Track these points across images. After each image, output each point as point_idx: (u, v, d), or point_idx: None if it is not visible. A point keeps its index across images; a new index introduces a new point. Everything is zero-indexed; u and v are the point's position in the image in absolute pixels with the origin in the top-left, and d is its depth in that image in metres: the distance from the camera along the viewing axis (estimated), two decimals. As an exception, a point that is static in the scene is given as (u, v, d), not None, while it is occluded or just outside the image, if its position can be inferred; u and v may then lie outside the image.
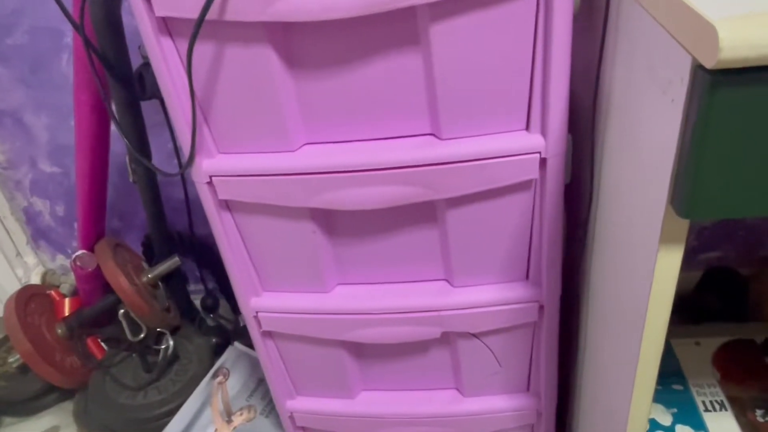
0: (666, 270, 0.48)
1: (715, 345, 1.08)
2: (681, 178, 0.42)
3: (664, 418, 0.91)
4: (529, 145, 0.62)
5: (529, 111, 0.61)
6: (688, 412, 0.98)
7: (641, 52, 0.49)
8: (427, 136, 0.64)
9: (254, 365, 1.11)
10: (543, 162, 0.63)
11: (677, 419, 0.91)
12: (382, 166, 0.63)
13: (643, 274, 0.50)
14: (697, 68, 0.37)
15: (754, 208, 0.41)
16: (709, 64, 0.34)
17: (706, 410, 0.97)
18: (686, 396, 1.00)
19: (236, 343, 1.15)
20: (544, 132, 0.62)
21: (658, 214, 0.46)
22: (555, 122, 0.60)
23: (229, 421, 1.06)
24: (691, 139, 0.39)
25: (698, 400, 0.99)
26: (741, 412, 0.96)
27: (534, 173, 0.64)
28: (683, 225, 0.45)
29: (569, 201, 0.68)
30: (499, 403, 0.85)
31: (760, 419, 0.95)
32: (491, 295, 0.74)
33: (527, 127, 0.62)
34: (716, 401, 0.98)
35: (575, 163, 0.68)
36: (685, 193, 0.42)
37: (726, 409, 0.97)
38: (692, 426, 0.96)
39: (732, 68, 0.34)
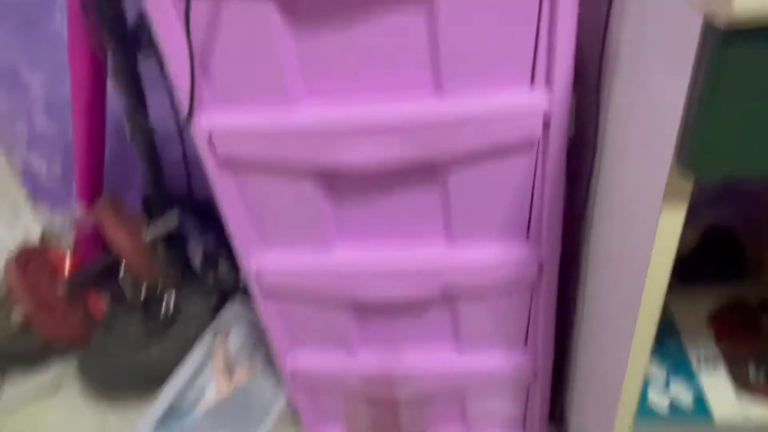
0: (668, 229, 0.48)
1: (711, 304, 1.09)
2: (687, 137, 0.41)
3: (658, 374, 0.92)
4: (532, 102, 0.61)
5: (534, 67, 0.60)
6: (681, 368, 1.00)
7: (651, 9, 0.48)
8: (430, 93, 0.63)
9: (254, 323, 1.12)
10: (547, 119, 0.62)
11: (671, 375, 0.93)
12: (384, 123, 0.62)
13: (646, 232, 0.50)
14: (708, 27, 0.36)
15: (760, 167, 0.41)
16: (720, 23, 0.34)
17: (700, 367, 0.99)
18: (680, 354, 1.02)
19: (236, 301, 1.16)
20: (548, 88, 0.61)
21: (662, 173, 0.46)
22: (560, 78, 0.59)
23: (230, 377, 1.08)
24: (699, 99, 0.39)
25: (692, 358, 1.01)
26: (734, 369, 0.98)
27: (537, 130, 0.63)
28: (687, 184, 0.45)
29: (571, 159, 0.67)
30: (497, 360, 0.87)
31: (753, 376, 0.97)
32: (491, 254, 0.74)
33: (532, 84, 0.62)
34: (710, 359, 1.00)
35: (578, 120, 0.67)
36: (691, 151, 0.42)
37: (720, 367, 0.99)
38: (685, 382, 0.98)
39: (742, 28, 0.34)
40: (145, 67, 1.00)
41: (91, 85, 0.98)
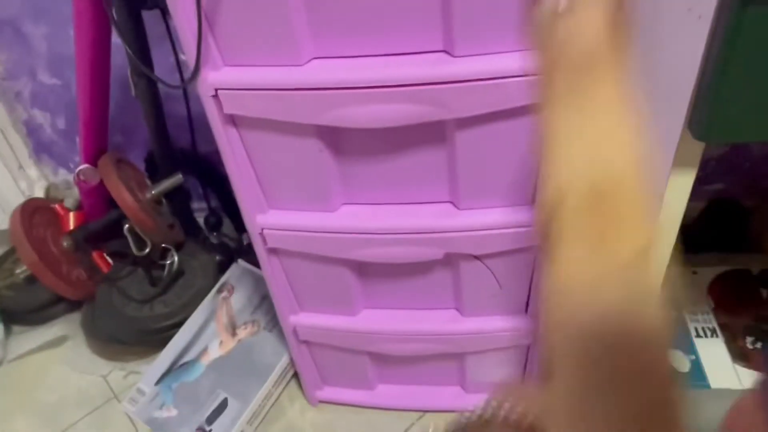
0: (677, 194, 0.48)
1: (711, 274, 1.10)
2: (701, 98, 0.41)
3: (657, 342, 0.93)
4: (543, 65, 0.60)
5: (546, 29, 0.59)
6: (680, 338, 1.01)
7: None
8: (440, 53, 0.62)
9: (258, 282, 1.13)
10: (557, 83, 0.61)
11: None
12: (393, 83, 0.62)
13: (653, 196, 0.49)
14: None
15: (772, 132, 0.40)
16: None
17: (698, 336, 1.00)
18: (679, 322, 1.03)
19: (240, 261, 1.16)
20: (560, 51, 0.60)
21: (673, 136, 0.45)
22: (572, 41, 0.58)
23: (233, 335, 1.09)
24: (717, 58, 0.38)
25: (691, 326, 1.02)
26: (732, 339, 0.99)
27: (547, 94, 0.62)
28: (698, 148, 0.45)
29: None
30: (498, 323, 0.88)
31: (750, 346, 0.98)
32: (496, 218, 0.74)
33: (543, 46, 0.60)
34: (708, 328, 1.01)
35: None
36: (703, 114, 0.41)
37: (717, 336, 1.00)
38: (683, 351, 0.99)
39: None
40: (151, 21, 0.99)
41: (95, 39, 0.96)
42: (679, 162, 0.46)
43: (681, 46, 0.44)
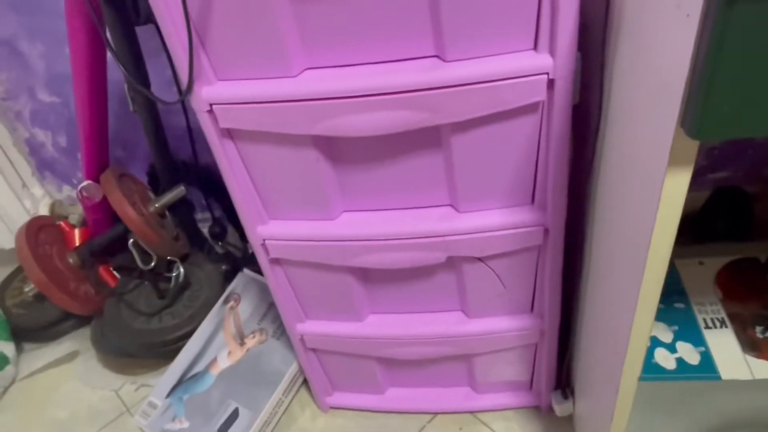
0: (673, 192, 0.47)
1: (718, 264, 1.09)
2: (693, 97, 0.41)
3: (666, 336, 0.93)
4: (536, 66, 0.60)
5: (538, 29, 0.59)
6: (689, 330, 1.00)
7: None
8: (432, 59, 0.62)
9: (264, 290, 1.13)
10: (551, 83, 0.61)
11: (678, 336, 0.93)
12: (386, 91, 0.61)
13: (650, 196, 0.49)
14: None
15: (766, 127, 0.40)
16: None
17: (707, 327, 0.99)
18: (688, 314, 1.02)
19: (246, 270, 1.17)
20: (552, 51, 0.59)
21: (667, 135, 0.45)
22: (564, 41, 0.58)
23: (242, 344, 1.09)
24: (706, 56, 0.38)
25: (699, 317, 1.01)
26: (741, 328, 0.98)
27: (542, 95, 0.62)
28: (692, 146, 0.45)
29: (576, 123, 0.66)
30: (504, 324, 0.87)
31: (760, 335, 0.97)
32: (496, 219, 0.74)
33: (535, 47, 0.60)
34: (717, 319, 1.00)
35: (583, 83, 0.66)
36: (695, 112, 0.41)
37: (726, 326, 0.99)
38: (692, 343, 0.98)
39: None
40: (147, 35, 0.99)
41: (91, 57, 0.97)
42: (674, 160, 0.45)
43: (670, 43, 0.43)
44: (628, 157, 0.57)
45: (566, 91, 0.62)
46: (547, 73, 0.60)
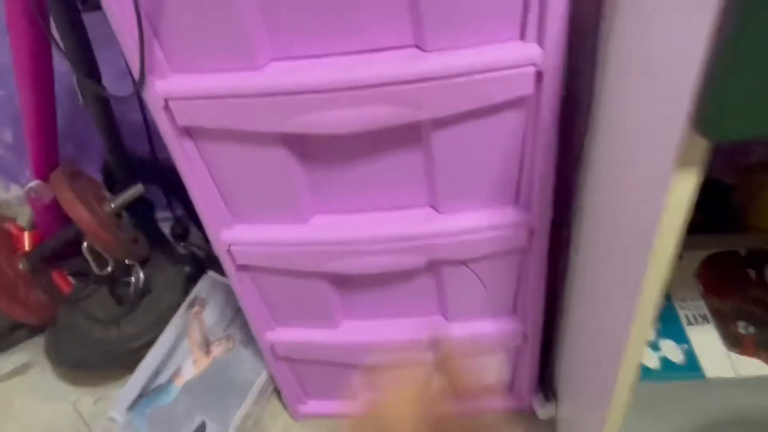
0: (681, 195, 0.44)
1: (698, 258, 1.07)
2: (708, 92, 0.36)
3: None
4: (523, 57, 0.56)
5: (525, 17, 0.54)
6: (671, 327, 0.98)
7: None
8: (411, 49, 0.57)
9: (230, 294, 1.07)
10: (539, 76, 0.57)
11: (661, 334, 0.91)
12: (361, 84, 0.57)
13: (654, 198, 0.45)
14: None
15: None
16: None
17: (689, 324, 0.98)
18: (669, 311, 1.00)
19: (210, 272, 1.11)
20: (540, 41, 0.55)
21: (674, 134, 0.41)
22: (553, 29, 0.54)
23: (207, 352, 1.04)
24: (725, 45, 0.33)
25: (681, 314, 0.99)
26: (723, 324, 0.97)
27: (528, 88, 0.58)
28: (704, 146, 0.41)
29: (562, 115, 0.62)
30: (485, 327, 0.84)
31: (743, 330, 0.96)
32: (479, 220, 0.70)
33: (522, 37, 0.56)
34: (699, 315, 0.98)
35: (571, 76, 0.62)
36: (710, 110, 0.37)
37: (708, 322, 0.97)
38: (675, 340, 0.96)
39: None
40: (97, 21, 0.92)
41: (34, 48, 0.89)
42: (683, 161, 0.42)
43: (678, 31, 0.39)
44: (624, 156, 0.53)
45: (555, 84, 0.58)
46: (535, 65, 0.56)
